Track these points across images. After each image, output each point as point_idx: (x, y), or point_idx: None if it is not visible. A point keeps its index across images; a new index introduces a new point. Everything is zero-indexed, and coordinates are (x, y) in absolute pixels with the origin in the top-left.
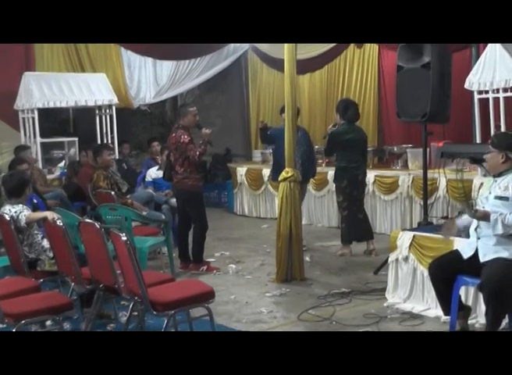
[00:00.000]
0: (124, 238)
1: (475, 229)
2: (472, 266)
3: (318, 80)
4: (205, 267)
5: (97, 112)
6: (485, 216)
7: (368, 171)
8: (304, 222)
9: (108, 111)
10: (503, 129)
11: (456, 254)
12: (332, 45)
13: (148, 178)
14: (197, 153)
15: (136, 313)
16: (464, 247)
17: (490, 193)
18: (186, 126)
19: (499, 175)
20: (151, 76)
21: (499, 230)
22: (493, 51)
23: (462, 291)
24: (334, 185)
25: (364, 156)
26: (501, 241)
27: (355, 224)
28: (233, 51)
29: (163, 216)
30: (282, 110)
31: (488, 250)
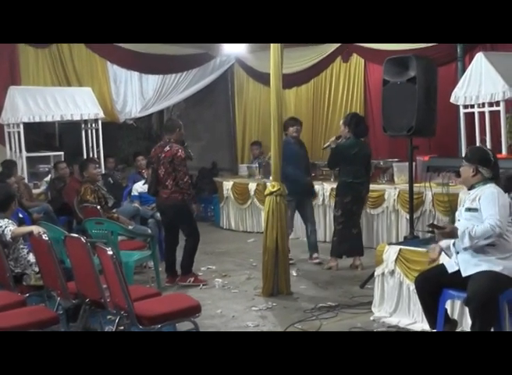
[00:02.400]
0: (110, 252)
1: (453, 244)
2: (458, 279)
3: (304, 94)
4: (192, 279)
5: (83, 126)
6: (451, 233)
7: None
8: (290, 236)
9: (94, 125)
10: (488, 143)
11: (442, 268)
12: (318, 59)
13: (134, 192)
14: (186, 177)
15: (122, 328)
16: (450, 261)
17: (463, 206)
18: (177, 140)
19: (471, 188)
20: (136, 91)
21: (466, 243)
22: (479, 65)
23: (448, 305)
24: (335, 199)
25: (368, 172)
26: (477, 253)
27: (347, 239)
28: (219, 65)
29: (149, 230)
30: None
31: (467, 264)
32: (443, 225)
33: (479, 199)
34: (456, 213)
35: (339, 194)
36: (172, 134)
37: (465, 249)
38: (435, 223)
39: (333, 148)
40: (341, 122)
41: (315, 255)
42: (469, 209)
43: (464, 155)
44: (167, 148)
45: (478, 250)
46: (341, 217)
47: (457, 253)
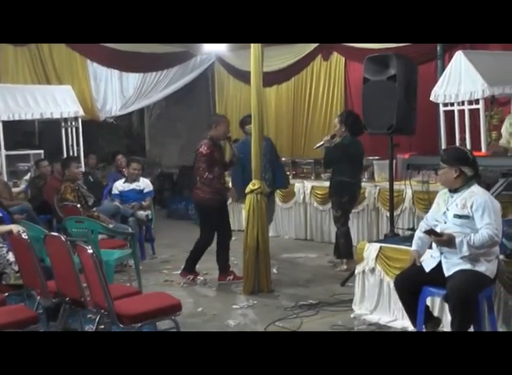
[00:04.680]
0: (90, 251)
1: (437, 245)
2: (437, 277)
3: (284, 93)
4: (191, 277)
5: (62, 124)
6: (448, 241)
7: None
8: (271, 234)
9: (73, 123)
10: (468, 141)
11: (421, 266)
12: (299, 57)
13: (115, 191)
14: (206, 174)
15: (102, 327)
16: (427, 260)
17: (448, 210)
18: (215, 137)
19: (455, 191)
20: (117, 89)
21: (465, 252)
22: (458, 63)
23: (428, 302)
24: (332, 199)
25: (361, 170)
26: (465, 257)
27: (351, 238)
28: (200, 63)
29: (130, 229)
30: (243, 123)
31: (451, 265)
32: (440, 232)
33: (471, 207)
34: (436, 214)
35: (335, 194)
36: (209, 130)
37: (464, 258)
38: (415, 221)
39: (332, 148)
40: (336, 120)
41: None
42: (459, 216)
43: (440, 158)
44: (199, 144)
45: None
46: (341, 217)
47: (441, 253)
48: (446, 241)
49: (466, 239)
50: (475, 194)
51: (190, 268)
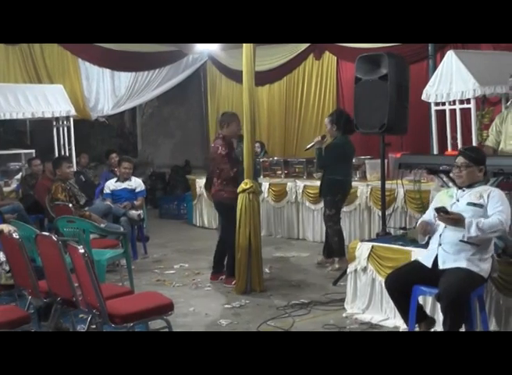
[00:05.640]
0: (81, 251)
1: (440, 235)
2: (429, 276)
3: (277, 92)
4: (223, 277)
5: (54, 123)
6: (459, 220)
7: None
8: (263, 233)
9: (65, 122)
10: (459, 140)
11: (414, 264)
12: (291, 57)
13: (107, 190)
14: (231, 173)
15: (94, 326)
16: (425, 256)
17: (458, 200)
18: (227, 136)
19: (469, 187)
20: (109, 88)
21: (473, 233)
22: (449, 63)
23: (420, 301)
24: (326, 198)
25: (352, 169)
26: (462, 249)
27: (343, 237)
28: (192, 62)
29: (121, 228)
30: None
31: (448, 257)
32: (450, 211)
33: (488, 197)
34: (446, 207)
35: (329, 193)
36: (221, 129)
37: (469, 239)
38: (407, 220)
39: (329, 148)
40: (326, 120)
41: None
42: (473, 204)
43: (467, 158)
44: (212, 144)
45: (462, 247)
46: (335, 216)
47: (440, 245)
48: (455, 220)
49: (475, 221)
50: (491, 189)
51: (218, 269)
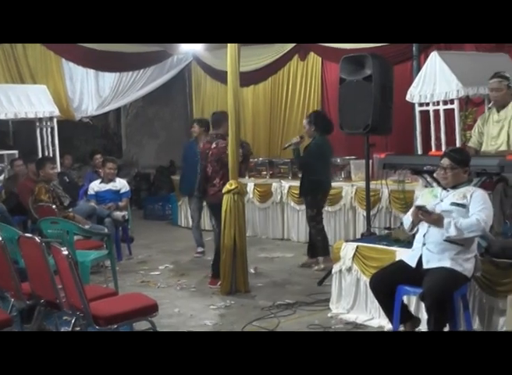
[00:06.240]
0: (65, 252)
1: (424, 235)
2: (413, 275)
3: (261, 92)
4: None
5: (37, 124)
6: (438, 220)
7: None
8: (248, 234)
9: (49, 123)
10: (443, 140)
11: (399, 264)
12: (275, 57)
13: (91, 191)
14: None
15: (78, 328)
16: (409, 256)
17: (442, 201)
18: (224, 134)
19: (453, 187)
20: (93, 88)
21: (452, 232)
22: (433, 64)
23: (405, 301)
24: (307, 198)
25: (330, 168)
26: (446, 249)
27: (326, 236)
28: (177, 62)
29: (106, 230)
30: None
31: (432, 257)
32: (431, 211)
33: (471, 196)
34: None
35: (310, 193)
36: (218, 128)
37: (445, 241)
38: (392, 220)
39: (312, 148)
40: (304, 121)
41: (199, 249)
42: (456, 204)
43: (452, 159)
44: (213, 144)
45: (446, 247)
46: (317, 216)
47: (424, 244)
48: (434, 220)
49: (454, 221)
50: (474, 189)
51: (218, 273)
